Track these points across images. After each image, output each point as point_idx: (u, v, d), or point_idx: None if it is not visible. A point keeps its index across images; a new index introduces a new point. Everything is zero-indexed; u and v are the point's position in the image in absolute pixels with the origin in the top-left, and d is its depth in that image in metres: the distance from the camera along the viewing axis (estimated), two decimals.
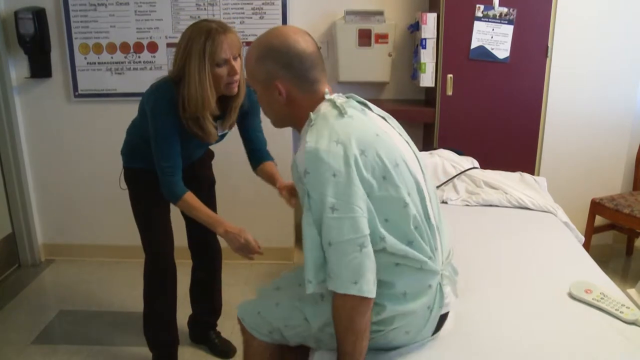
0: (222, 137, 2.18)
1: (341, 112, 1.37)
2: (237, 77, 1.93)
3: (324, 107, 1.41)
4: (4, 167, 3.24)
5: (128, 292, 3.07)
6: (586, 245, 2.78)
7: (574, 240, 2.26)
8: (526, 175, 2.76)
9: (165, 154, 1.97)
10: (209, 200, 2.35)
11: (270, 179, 2.15)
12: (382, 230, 1.32)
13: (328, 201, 1.27)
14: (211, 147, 2.37)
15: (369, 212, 1.30)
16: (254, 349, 1.66)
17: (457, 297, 1.56)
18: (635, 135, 3.29)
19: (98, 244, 3.46)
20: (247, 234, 1.93)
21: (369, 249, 1.29)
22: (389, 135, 1.42)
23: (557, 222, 2.40)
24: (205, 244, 2.45)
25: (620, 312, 1.61)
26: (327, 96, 1.43)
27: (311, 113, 1.40)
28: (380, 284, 1.34)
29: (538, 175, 3.18)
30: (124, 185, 2.26)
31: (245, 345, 1.70)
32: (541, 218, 2.41)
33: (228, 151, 2.50)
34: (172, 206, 2.20)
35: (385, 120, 1.51)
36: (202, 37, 1.86)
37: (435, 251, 1.43)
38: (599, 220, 3.22)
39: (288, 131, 3.21)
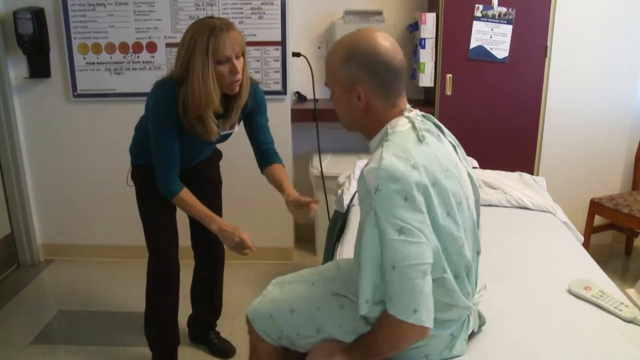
0: (225, 137, 2.16)
1: (419, 139, 1.33)
2: (238, 76, 1.91)
3: (402, 124, 1.37)
4: (2, 167, 3.24)
5: (127, 292, 3.07)
6: (585, 245, 2.79)
7: (573, 240, 2.26)
8: (525, 175, 2.77)
9: (163, 152, 1.98)
10: (214, 200, 2.35)
11: (278, 184, 2.13)
12: (445, 262, 1.32)
13: (396, 223, 1.24)
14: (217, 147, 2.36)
15: (434, 242, 1.29)
16: (260, 352, 1.65)
17: (480, 325, 1.56)
18: (634, 135, 3.29)
19: (97, 244, 3.46)
20: (241, 233, 1.94)
21: (430, 278, 1.27)
22: (457, 169, 1.40)
23: (557, 221, 2.40)
24: (209, 244, 2.43)
25: (619, 310, 1.61)
26: (407, 113, 1.40)
27: (388, 127, 1.37)
28: None
29: (537, 175, 3.18)
30: (131, 182, 2.24)
31: (251, 346, 1.68)
32: (540, 218, 2.41)
33: (227, 150, 2.50)
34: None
35: (455, 149, 1.49)
36: (206, 34, 1.84)
37: (474, 288, 1.44)
38: (598, 220, 3.22)
39: (287, 132, 3.22)
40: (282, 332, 1.55)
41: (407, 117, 1.38)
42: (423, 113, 1.46)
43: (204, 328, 2.60)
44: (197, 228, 2.33)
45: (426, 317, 1.25)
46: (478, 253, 1.47)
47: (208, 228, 2.00)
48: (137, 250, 3.41)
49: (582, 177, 3.29)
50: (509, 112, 3.02)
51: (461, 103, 3.01)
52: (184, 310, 2.52)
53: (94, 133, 3.27)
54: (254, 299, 2.33)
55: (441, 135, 1.45)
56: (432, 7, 3.14)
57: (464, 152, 1.52)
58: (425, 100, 3.36)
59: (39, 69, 3.14)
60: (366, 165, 1.32)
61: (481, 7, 2.90)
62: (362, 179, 1.30)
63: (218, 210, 2.37)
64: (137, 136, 2.24)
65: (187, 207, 2.02)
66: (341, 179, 2.80)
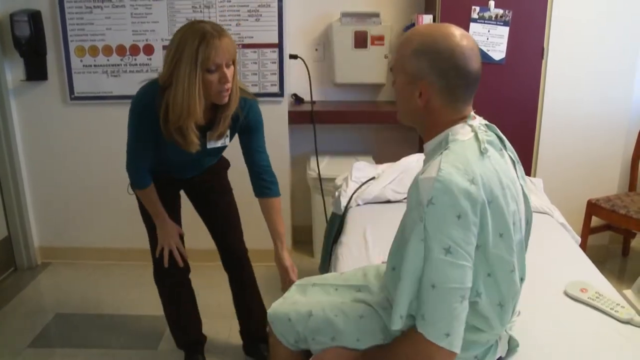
0: (218, 150, 2.11)
1: (481, 151, 1.25)
2: (228, 85, 1.81)
3: (464, 132, 1.29)
4: None
5: (125, 295, 3.06)
6: (583, 246, 2.79)
7: (570, 241, 2.26)
8: None
9: (132, 151, 2.02)
10: (229, 209, 2.33)
11: (272, 227, 2.13)
12: (482, 286, 1.26)
13: (445, 242, 1.17)
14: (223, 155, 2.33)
15: (474, 264, 1.22)
16: (279, 355, 1.64)
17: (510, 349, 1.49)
18: (631, 136, 3.30)
19: (95, 246, 3.45)
20: (179, 244, 2.09)
21: (467, 303, 1.21)
22: (515, 187, 1.32)
23: (554, 223, 2.40)
24: (230, 251, 2.37)
25: (616, 311, 1.61)
26: (470, 121, 1.31)
27: (450, 133, 1.29)
28: None
29: (534, 176, 3.18)
30: (131, 191, 2.22)
31: (271, 348, 1.68)
32: (537, 219, 2.39)
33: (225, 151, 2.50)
34: (186, 207, 2.30)
35: (514, 165, 1.40)
36: (196, 40, 1.74)
37: (511, 315, 1.38)
38: (595, 221, 3.23)
39: (285, 134, 3.22)
40: (300, 335, 1.54)
41: (471, 126, 1.30)
42: (487, 122, 1.37)
43: (253, 340, 2.52)
44: (216, 234, 2.34)
45: (457, 343, 1.19)
46: (522, 280, 1.39)
47: (157, 222, 2.12)
48: (134, 252, 3.42)
49: (579, 178, 3.30)
50: (506, 114, 3.03)
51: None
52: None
53: (91, 135, 3.27)
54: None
55: (503, 149, 1.36)
56: (429, 9, 3.15)
57: (523, 170, 1.44)
58: None
59: (36, 71, 3.14)
60: (421, 172, 1.25)
61: (478, 8, 2.90)
62: (415, 187, 1.23)
63: (235, 218, 2.35)
64: None
65: (146, 201, 2.11)
66: (338, 181, 2.80)
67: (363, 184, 2.63)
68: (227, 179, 2.37)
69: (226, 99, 1.86)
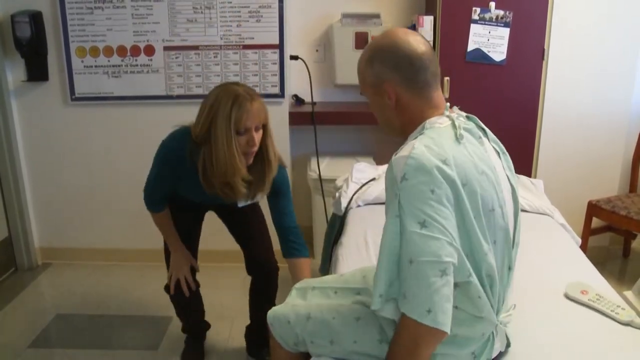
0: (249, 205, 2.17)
1: (457, 137, 1.28)
2: (254, 148, 1.90)
3: (441, 121, 1.32)
4: (0, 170, 3.23)
5: (125, 296, 3.07)
6: (583, 247, 2.79)
7: (571, 242, 2.26)
8: (523, 178, 2.77)
9: (152, 185, 2.12)
10: (249, 221, 2.35)
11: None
12: (470, 265, 1.25)
13: (419, 215, 1.18)
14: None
15: (459, 242, 1.22)
16: (279, 358, 1.65)
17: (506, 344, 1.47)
18: (632, 137, 3.30)
19: (95, 247, 3.45)
20: (187, 273, 2.12)
21: (451, 278, 1.18)
22: (496, 174, 1.33)
23: (554, 224, 2.40)
24: (259, 263, 2.36)
25: (616, 313, 1.61)
26: (447, 112, 1.35)
27: (426, 123, 1.32)
28: None
29: (535, 177, 3.18)
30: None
31: (272, 350, 1.68)
32: (538, 220, 2.42)
33: None
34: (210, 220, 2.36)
35: (499, 155, 1.42)
36: (230, 102, 1.83)
37: (501, 303, 1.38)
38: (595, 222, 3.22)
39: (285, 135, 3.22)
40: (299, 337, 1.54)
41: (448, 116, 1.34)
42: (468, 114, 1.41)
43: (257, 343, 2.52)
44: (245, 244, 2.36)
45: (442, 320, 1.16)
46: (510, 269, 1.39)
47: (171, 248, 2.18)
48: (135, 253, 3.42)
49: (580, 180, 3.30)
50: (507, 115, 3.03)
51: (459, 106, 3.01)
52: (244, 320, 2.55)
53: (92, 136, 3.27)
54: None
55: (483, 137, 1.39)
56: (429, 10, 3.15)
57: (510, 161, 1.44)
58: None
59: (37, 72, 3.14)
60: (396, 153, 1.28)
61: (478, 10, 2.90)
62: (390, 166, 1.26)
63: (264, 230, 2.37)
64: None
65: (159, 224, 2.18)
66: (339, 182, 2.80)
67: (363, 185, 2.63)
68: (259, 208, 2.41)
69: (250, 160, 1.94)
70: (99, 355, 2.56)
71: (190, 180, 2.01)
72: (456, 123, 1.31)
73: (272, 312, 1.62)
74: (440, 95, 1.38)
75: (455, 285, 1.23)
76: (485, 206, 1.27)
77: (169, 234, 2.15)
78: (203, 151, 1.91)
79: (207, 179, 1.94)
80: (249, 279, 2.41)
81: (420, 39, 1.35)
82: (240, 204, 2.08)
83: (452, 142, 1.27)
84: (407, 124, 1.36)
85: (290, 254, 2.14)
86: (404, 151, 1.25)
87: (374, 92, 1.37)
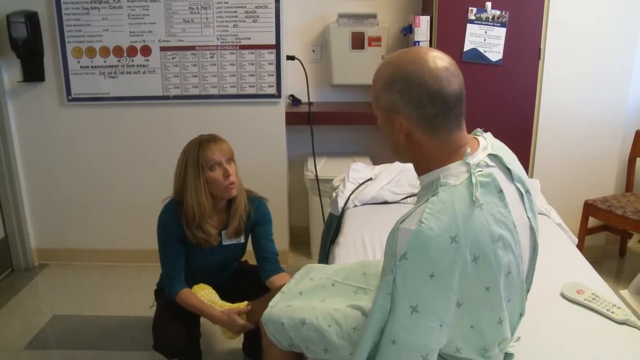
0: (236, 249, 2.22)
1: (473, 201, 1.12)
2: (232, 177, 2.04)
3: (457, 174, 1.17)
4: None
5: (122, 296, 3.06)
6: (580, 247, 2.79)
7: (567, 241, 2.27)
8: None
9: (165, 262, 2.16)
10: (247, 268, 2.42)
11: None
12: (461, 342, 1.20)
13: (413, 299, 1.10)
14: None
15: (451, 323, 1.15)
16: (272, 356, 1.64)
17: None
18: (628, 137, 3.31)
19: (92, 248, 3.45)
20: (238, 320, 2.05)
21: (432, 357, 1.15)
22: (515, 232, 1.18)
23: (551, 223, 2.41)
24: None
25: (612, 312, 1.61)
26: (468, 158, 1.18)
27: (441, 176, 1.17)
28: None
29: (531, 177, 3.19)
30: (154, 303, 2.35)
31: (264, 349, 1.68)
32: None
33: None
34: None
35: (522, 197, 1.28)
36: (195, 148, 2.03)
37: (503, 347, 1.32)
38: (592, 221, 3.23)
39: (282, 135, 3.22)
40: (293, 340, 1.53)
41: (467, 164, 1.17)
42: (492, 152, 1.24)
43: (258, 340, 2.51)
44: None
45: None
46: (521, 315, 1.33)
47: (214, 321, 2.11)
48: (131, 254, 3.42)
49: (576, 179, 3.30)
50: (503, 115, 3.03)
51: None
52: None
53: (88, 137, 3.26)
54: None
55: (507, 184, 1.23)
56: (426, 10, 3.15)
57: (533, 200, 1.31)
58: None
59: (33, 72, 3.13)
60: (404, 218, 1.15)
61: (475, 10, 2.91)
62: (392, 235, 1.14)
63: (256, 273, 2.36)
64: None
65: (187, 305, 2.13)
66: (336, 182, 2.81)
67: (360, 185, 2.64)
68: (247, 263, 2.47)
69: (234, 192, 2.08)
70: (96, 356, 2.55)
71: (190, 243, 2.13)
72: (473, 180, 1.14)
73: (266, 313, 1.60)
74: (462, 137, 1.21)
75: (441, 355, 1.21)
76: (503, 270, 1.16)
77: (200, 307, 2.11)
78: (184, 205, 2.07)
79: (189, 229, 2.08)
80: None
81: (453, 72, 1.17)
82: (226, 242, 2.17)
83: (466, 208, 1.12)
84: (418, 162, 1.24)
85: (271, 274, 2.19)
86: (411, 221, 1.12)
87: (384, 116, 1.22)
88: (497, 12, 2.90)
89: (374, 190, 2.57)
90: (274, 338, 1.58)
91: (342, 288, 1.64)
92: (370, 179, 2.66)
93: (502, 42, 2.94)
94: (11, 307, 2.98)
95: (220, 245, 2.15)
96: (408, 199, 2.54)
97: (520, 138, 3.09)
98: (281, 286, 1.76)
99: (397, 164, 2.72)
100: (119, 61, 3.13)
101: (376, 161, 3.23)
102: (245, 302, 2.09)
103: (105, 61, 3.13)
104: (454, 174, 1.17)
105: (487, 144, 1.27)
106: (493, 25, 2.92)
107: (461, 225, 1.10)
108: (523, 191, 1.28)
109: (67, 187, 3.35)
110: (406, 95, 1.16)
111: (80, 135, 3.26)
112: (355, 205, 2.55)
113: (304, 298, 1.64)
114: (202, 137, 2.09)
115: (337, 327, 1.46)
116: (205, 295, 2.15)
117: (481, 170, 1.18)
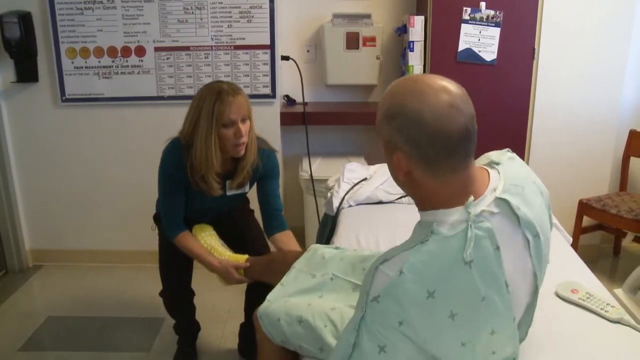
0: (236, 197, 2.19)
1: (464, 260, 1.04)
2: (243, 139, 1.96)
3: (454, 223, 1.08)
4: None
5: (117, 297, 3.05)
6: (574, 246, 2.80)
7: (562, 240, 2.27)
8: None
9: (165, 204, 2.12)
10: (253, 227, 2.39)
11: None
12: None
13: (381, 340, 1.06)
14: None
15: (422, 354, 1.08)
16: (267, 351, 1.63)
17: None
18: (622, 136, 3.32)
19: (86, 249, 3.44)
20: (234, 274, 2.04)
21: None
22: (506, 293, 1.10)
23: None
24: (253, 248, 2.38)
25: (606, 311, 1.62)
26: (470, 206, 1.08)
27: (435, 223, 1.08)
28: None
29: None
30: (155, 227, 2.34)
31: (259, 343, 1.66)
32: None
33: None
34: None
35: (528, 244, 1.17)
36: (213, 98, 1.91)
37: None
38: (586, 220, 3.24)
39: (277, 135, 3.21)
40: (286, 337, 1.53)
41: (468, 214, 1.08)
42: (500, 196, 1.13)
43: (250, 341, 2.50)
44: (244, 244, 2.35)
45: None
46: (522, 340, 1.28)
47: (209, 268, 2.10)
48: (126, 255, 3.41)
49: (571, 179, 3.31)
50: (498, 114, 3.04)
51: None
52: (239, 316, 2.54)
53: (82, 137, 3.25)
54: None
55: (512, 232, 1.14)
56: (420, 10, 3.16)
57: (542, 245, 1.21)
58: None
59: (27, 73, 3.12)
60: (386, 258, 1.08)
61: (469, 10, 2.91)
62: (370, 272, 1.08)
63: (256, 227, 2.38)
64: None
65: (185, 249, 2.12)
66: (331, 182, 2.80)
67: (355, 185, 2.63)
68: (249, 206, 2.45)
69: (242, 152, 2.00)
70: (91, 358, 2.54)
71: (192, 188, 2.07)
72: (469, 234, 1.05)
73: (263, 307, 1.60)
74: (468, 177, 1.11)
75: None
76: (480, 332, 1.09)
77: (198, 252, 2.11)
78: (191, 151, 1.99)
79: (192, 176, 2.01)
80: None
81: (460, 106, 1.06)
82: (229, 193, 2.12)
83: (454, 262, 1.05)
84: (418, 199, 1.16)
85: (275, 231, 2.20)
86: (391, 264, 1.06)
87: (385, 148, 1.13)
88: (492, 12, 2.91)
89: (368, 190, 2.57)
90: (267, 332, 1.57)
91: (341, 284, 1.64)
92: (365, 179, 2.66)
93: (496, 42, 2.94)
94: (5, 308, 2.97)
95: (223, 194, 2.10)
96: (403, 198, 2.55)
97: (514, 138, 3.10)
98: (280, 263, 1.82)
99: None
100: (113, 61, 3.12)
101: (371, 161, 3.23)
102: (246, 257, 2.07)
103: (99, 61, 3.12)
104: (450, 222, 1.08)
105: (497, 182, 1.16)
106: (487, 25, 2.93)
107: (444, 282, 1.04)
108: (531, 237, 1.17)
109: (62, 187, 3.34)
110: (404, 133, 1.07)
111: (75, 135, 3.25)
112: (350, 205, 2.55)
113: (302, 294, 1.64)
114: (221, 86, 1.95)
115: (333, 328, 1.46)
116: (205, 238, 2.15)
117: (481, 222, 1.09)
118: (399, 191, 2.58)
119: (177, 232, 2.12)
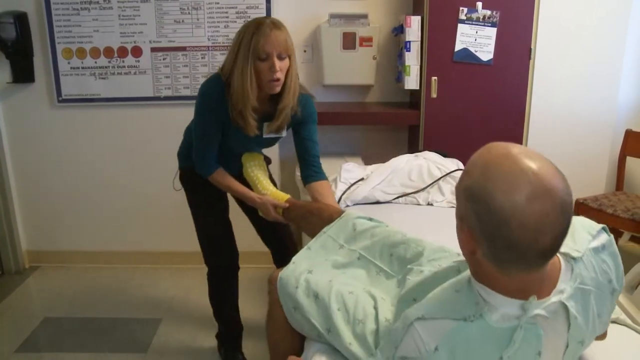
0: (272, 140, 2.18)
1: (501, 357, 0.98)
2: (277, 74, 1.90)
3: (507, 315, 0.99)
4: None
5: (114, 298, 3.05)
6: None
7: None
8: None
9: (200, 137, 2.05)
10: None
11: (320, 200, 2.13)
12: None
13: None
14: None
15: None
16: (276, 316, 1.61)
17: None
18: (618, 136, 3.33)
19: (83, 249, 3.43)
20: (272, 212, 2.06)
21: None
22: None
23: None
24: (283, 248, 2.41)
25: None
26: (530, 307, 0.98)
27: (490, 303, 1.00)
28: None
29: None
30: (178, 186, 2.29)
31: (269, 307, 1.65)
32: None
33: None
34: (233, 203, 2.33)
35: (569, 326, 1.07)
36: (252, 30, 1.88)
37: None
38: None
39: None
40: (298, 304, 1.52)
41: (525, 311, 0.99)
42: (564, 301, 1.03)
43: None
44: (267, 234, 2.37)
45: None
46: None
47: (249, 202, 2.11)
48: (123, 255, 3.40)
49: (567, 178, 3.31)
50: (494, 114, 3.04)
51: (446, 105, 3.03)
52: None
53: (79, 138, 3.25)
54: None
55: (558, 330, 1.06)
56: (417, 10, 3.16)
57: (581, 349, 1.15)
58: (410, 103, 3.38)
59: (23, 73, 3.12)
60: (429, 317, 1.02)
61: (466, 10, 2.92)
62: (405, 324, 1.04)
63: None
64: (185, 140, 2.26)
65: (222, 185, 2.11)
66: None
67: (352, 185, 2.63)
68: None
69: (277, 89, 1.95)
70: (88, 359, 2.54)
71: (230, 124, 2.03)
72: (516, 336, 0.98)
73: (285, 272, 1.60)
74: (535, 279, 0.99)
75: None
76: None
77: (237, 188, 2.10)
78: (231, 84, 1.95)
79: (232, 110, 1.97)
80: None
81: (556, 218, 0.91)
82: (266, 136, 2.09)
83: (490, 354, 0.98)
84: (476, 272, 1.04)
85: (312, 179, 2.17)
86: (431, 328, 1.00)
87: (457, 215, 1.03)
88: (488, 12, 2.91)
89: (365, 190, 2.57)
90: (281, 295, 1.57)
91: (367, 265, 1.64)
92: (362, 179, 2.66)
93: (492, 42, 2.95)
94: (2, 310, 2.96)
95: (259, 135, 2.07)
96: (400, 198, 2.55)
97: (511, 137, 3.08)
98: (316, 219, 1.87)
99: (388, 164, 2.72)
100: (109, 62, 3.11)
101: (368, 161, 3.22)
102: (287, 197, 2.08)
103: (95, 62, 3.11)
104: (502, 312, 0.99)
105: (567, 282, 1.05)
106: (484, 25, 2.93)
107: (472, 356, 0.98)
108: (574, 344, 1.10)
109: (58, 188, 3.33)
110: (482, 224, 0.93)
111: (71, 136, 3.25)
112: (347, 206, 2.55)
113: (327, 266, 1.64)
114: (264, 19, 1.92)
115: (346, 314, 1.46)
116: (253, 167, 2.14)
117: (533, 324, 1.00)
118: (396, 191, 2.58)
119: (213, 169, 2.09)
